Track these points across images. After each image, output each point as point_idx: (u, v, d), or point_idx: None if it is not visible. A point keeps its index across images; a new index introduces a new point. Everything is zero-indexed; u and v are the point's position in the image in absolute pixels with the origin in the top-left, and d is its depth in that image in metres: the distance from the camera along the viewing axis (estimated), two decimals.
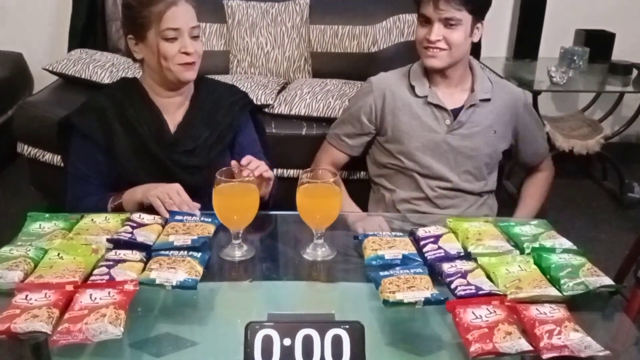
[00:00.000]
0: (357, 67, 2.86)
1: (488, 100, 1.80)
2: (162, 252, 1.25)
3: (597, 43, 3.22)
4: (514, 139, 1.89)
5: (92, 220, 1.37)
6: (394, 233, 1.38)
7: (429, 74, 1.81)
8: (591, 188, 3.35)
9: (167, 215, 1.39)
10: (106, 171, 1.59)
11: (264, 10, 2.84)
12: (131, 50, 1.59)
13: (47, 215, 1.39)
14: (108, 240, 1.28)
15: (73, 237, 1.30)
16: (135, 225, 1.34)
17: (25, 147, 2.43)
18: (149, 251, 1.26)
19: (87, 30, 3.07)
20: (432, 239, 1.34)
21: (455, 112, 1.79)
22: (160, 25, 1.50)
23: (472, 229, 1.37)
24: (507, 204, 2.10)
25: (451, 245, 1.31)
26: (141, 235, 1.30)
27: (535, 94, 2.83)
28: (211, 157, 1.61)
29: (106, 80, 2.48)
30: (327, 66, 2.87)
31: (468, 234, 1.35)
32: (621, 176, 3.19)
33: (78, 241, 1.28)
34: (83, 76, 2.51)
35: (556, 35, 3.35)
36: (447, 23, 1.68)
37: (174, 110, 1.64)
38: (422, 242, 1.34)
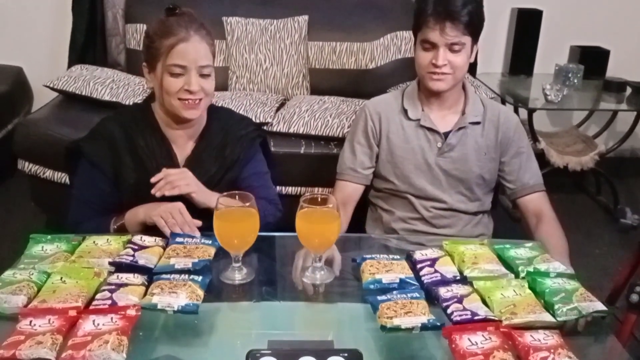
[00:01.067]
0: (355, 84, 2.89)
1: (478, 123, 1.81)
2: (164, 275, 1.26)
3: (591, 59, 3.23)
4: (503, 164, 1.84)
5: (94, 242, 1.38)
6: (391, 256, 1.38)
7: (424, 96, 1.82)
8: (585, 203, 3.35)
9: (169, 234, 1.39)
10: (110, 200, 1.58)
11: (262, 27, 2.85)
12: (145, 77, 1.58)
13: (49, 236, 1.40)
14: (110, 263, 1.28)
15: (75, 260, 1.30)
16: (136, 247, 1.34)
17: (26, 164, 2.43)
18: (150, 274, 1.27)
19: (87, 45, 3.08)
20: (428, 262, 1.35)
21: (447, 135, 1.79)
22: (167, 60, 1.48)
23: (467, 252, 1.39)
24: (502, 220, 2.10)
25: (447, 268, 1.33)
26: (142, 258, 1.30)
27: (531, 111, 2.84)
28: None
29: (106, 97, 2.48)
30: (325, 82, 2.89)
31: (464, 257, 1.36)
32: (615, 191, 3.20)
33: (80, 264, 1.28)
34: (83, 93, 2.51)
35: (551, 52, 3.37)
36: (452, 48, 1.69)
37: (184, 142, 1.62)
38: (418, 266, 1.35)
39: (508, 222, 2.48)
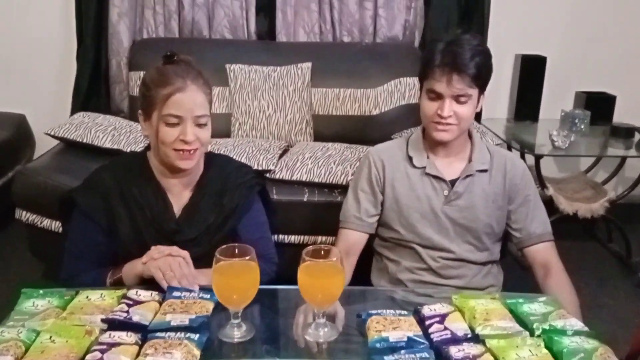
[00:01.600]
0: (359, 130, 2.88)
1: (485, 170, 1.78)
2: (159, 333, 1.20)
3: (597, 105, 3.22)
4: (510, 212, 1.81)
5: (87, 297, 1.32)
6: (398, 312, 1.33)
7: (429, 144, 1.80)
8: (596, 251, 3.29)
9: (166, 287, 1.36)
10: (105, 251, 1.55)
11: (266, 74, 2.85)
12: (140, 125, 1.57)
13: (41, 291, 1.35)
14: (103, 320, 1.23)
15: (66, 317, 1.24)
16: (131, 303, 1.29)
17: (24, 212, 2.39)
18: (145, 332, 1.21)
19: (90, 92, 3.09)
20: (437, 319, 1.29)
21: (454, 183, 1.76)
22: (163, 110, 1.46)
23: (479, 307, 1.33)
24: (511, 270, 2.03)
25: (458, 325, 1.26)
26: (137, 314, 1.25)
27: (538, 157, 2.81)
28: (213, 244, 1.53)
29: (108, 145, 2.47)
30: (329, 129, 2.88)
31: (475, 313, 1.30)
32: (627, 239, 3.14)
33: (72, 321, 1.23)
34: (85, 140, 2.50)
35: (556, 97, 3.36)
36: (458, 99, 1.67)
37: (180, 191, 1.60)
38: (427, 322, 1.29)
39: (517, 270, 2.41)
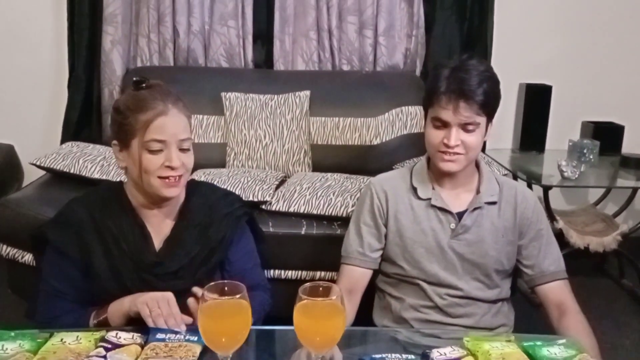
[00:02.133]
0: (359, 160, 2.81)
1: (495, 203, 1.71)
2: None
3: (605, 135, 3.16)
4: (521, 247, 1.73)
5: (62, 340, 1.23)
6: (404, 356, 1.23)
7: (434, 174, 1.73)
8: (609, 287, 3.18)
9: (152, 325, 1.29)
10: (83, 289, 1.46)
11: (262, 103, 2.79)
12: (115, 156, 1.49)
13: (12, 333, 1.25)
14: None
15: None
16: (109, 347, 1.20)
17: (4, 247, 2.30)
18: None
19: (81, 122, 3.04)
20: None
21: (461, 216, 1.69)
22: (145, 136, 1.39)
23: (494, 351, 1.23)
24: (522, 308, 1.94)
25: None
26: None
27: (546, 188, 2.73)
28: (197, 277, 1.47)
29: (96, 175, 2.39)
30: (327, 159, 2.81)
31: (490, 357, 1.21)
32: None
33: None
34: (72, 171, 2.42)
35: (562, 127, 3.30)
36: (466, 127, 1.60)
37: (159, 222, 1.52)
38: None
39: (527, 308, 2.31)
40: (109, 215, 1.48)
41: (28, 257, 2.27)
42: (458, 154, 1.61)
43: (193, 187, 1.56)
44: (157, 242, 1.49)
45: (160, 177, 1.41)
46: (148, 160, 1.40)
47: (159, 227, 1.51)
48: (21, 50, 3.15)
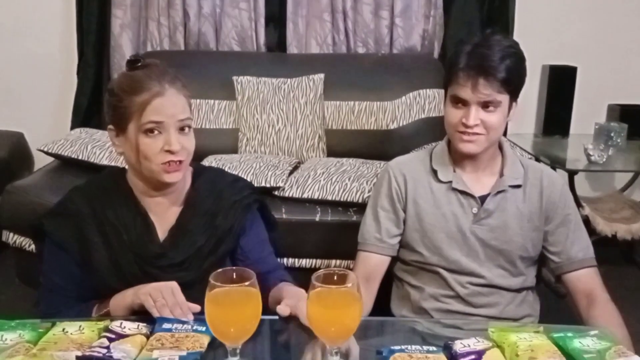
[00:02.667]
0: (375, 145, 2.76)
1: (519, 186, 1.64)
2: None
3: (633, 118, 3.07)
4: (547, 233, 1.66)
5: (64, 330, 1.19)
6: (425, 348, 1.17)
7: (455, 156, 1.67)
8: (637, 276, 3.09)
9: (156, 316, 1.23)
10: (83, 284, 1.42)
11: (275, 87, 2.74)
12: (111, 142, 1.42)
13: (13, 323, 1.22)
14: (77, 358, 1.08)
15: (37, 354, 1.10)
16: (113, 337, 1.15)
17: (11, 235, 2.27)
18: None
19: (91, 109, 3.03)
20: (473, 356, 1.13)
21: (483, 199, 1.63)
22: (141, 119, 1.32)
23: (522, 342, 1.16)
24: (546, 298, 1.85)
25: None
26: (119, 351, 1.11)
27: (572, 173, 2.66)
28: (204, 269, 1.40)
29: (105, 162, 2.36)
30: (343, 144, 2.76)
31: (517, 349, 1.14)
32: None
33: (41, 359, 1.08)
34: (80, 157, 2.39)
35: (587, 111, 3.23)
36: (486, 106, 1.54)
37: (164, 211, 1.45)
38: None
39: (551, 299, 2.24)
40: (109, 205, 1.42)
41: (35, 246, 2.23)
42: (478, 134, 1.55)
43: (199, 172, 1.51)
44: (162, 232, 1.44)
45: (161, 163, 1.35)
46: (146, 145, 1.33)
47: (164, 215, 1.45)
48: (29, 37, 3.15)
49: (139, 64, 1.38)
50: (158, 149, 1.34)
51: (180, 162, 1.36)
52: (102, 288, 1.39)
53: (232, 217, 1.47)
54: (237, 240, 1.48)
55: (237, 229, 1.47)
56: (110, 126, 1.40)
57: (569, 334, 1.21)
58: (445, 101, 1.62)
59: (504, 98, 1.53)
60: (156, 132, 1.34)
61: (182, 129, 1.36)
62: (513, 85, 1.54)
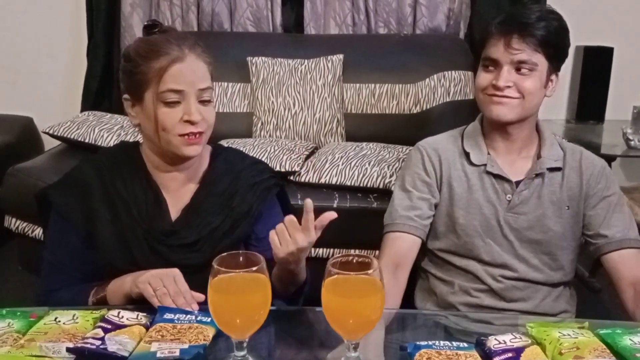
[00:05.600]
0: (397, 130, 2.67)
1: (559, 169, 1.54)
2: None
3: None
4: (586, 217, 1.56)
5: (56, 319, 1.13)
6: (455, 344, 1.08)
7: (489, 136, 1.57)
8: None
9: (156, 305, 1.18)
10: (86, 261, 1.36)
11: (292, 68, 2.67)
12: (127, 113, 1.37)
13: (4, 311, 1.17)
14: (68, 349, 1.02)
15: (24, 345, 1.04)
16: (109, 327, 1.09)
17: (13, 220, 2.24)
18: None
19: (101, 93, 3.00)
20: (510, 354, 1.04)
21: (519, 184, 1.53)
22: (159, 86, 1.27)
23: (565, 340, 1.08)
24: (581, 292, 1.76)
25: None
26: (114, 343, 1.04)
27: (609, 159, 2.52)
28: (216, 252, 1.33)
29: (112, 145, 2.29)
30: (362, 129, 2.69)
31: (561, 347, 1.06)
32: None
33: (29, 350, 1.02)
34: (87, 140, 2.35)
35: (625, 95, 3.10)
36: (520, 67, 1.44)
37: (177, 188, 1.39)
38: (496, 358, 1.04)
39: (585, 294, 2.12)
40: (120, 177, 1.37)
41: (38, 232, 2.21)
42: (510, 97, 1.45)
43: (218, 151, 1.45)
44: (175, 210, 1.37)
45: (180, 135, 1.29)
46: (164, 115, 1.28)
47: (178, 193, 1.39)
48: (38, 17, 3.12)
49: (157, 29, 1.32)
50: (177, 119, 1.28)
51: (200, 133, 1.31)
52: (106, 267, 1.34)
53: (249, 200, 1.41)
54: (253, 224, 1.42)
55: (255, 212, 1.41)
56: (126, 95, 1.34)
57: (618, 331, 1.14)
58: (476, 69, 1.54)
59: (541, 61, 1.44)
60: (175, 100, 1.29)
61: (202, 101, 1.30)
62: (551, 47, 1.45)
